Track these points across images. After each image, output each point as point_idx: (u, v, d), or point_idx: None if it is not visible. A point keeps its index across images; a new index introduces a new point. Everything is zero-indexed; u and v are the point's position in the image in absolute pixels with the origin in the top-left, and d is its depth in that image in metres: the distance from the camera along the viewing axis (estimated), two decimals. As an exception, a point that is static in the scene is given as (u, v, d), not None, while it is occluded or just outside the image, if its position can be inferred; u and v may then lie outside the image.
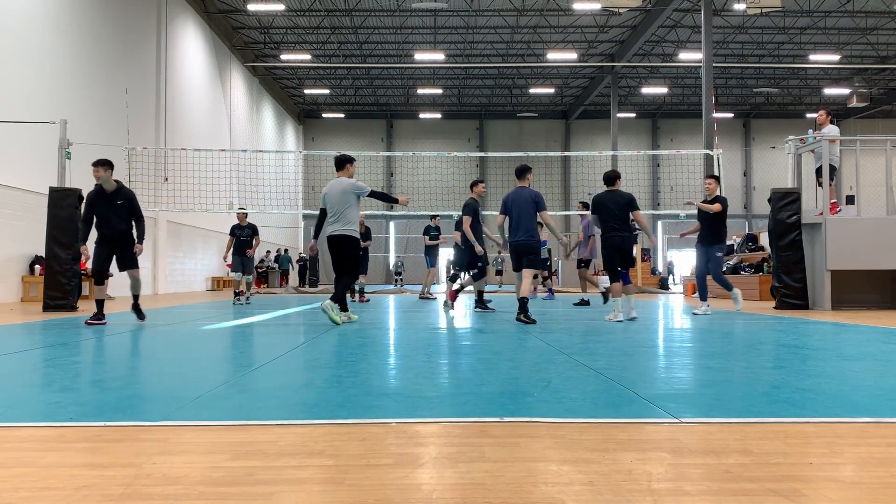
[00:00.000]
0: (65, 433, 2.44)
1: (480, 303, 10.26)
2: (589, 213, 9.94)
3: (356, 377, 3.67)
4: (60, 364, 4.23)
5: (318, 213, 8.12)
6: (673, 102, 41.95)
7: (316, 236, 8.02)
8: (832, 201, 10.81)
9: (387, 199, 8.11)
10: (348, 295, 12.88)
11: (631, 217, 8.26)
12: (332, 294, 7.74)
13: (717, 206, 9.02)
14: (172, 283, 22.37)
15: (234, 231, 12.97)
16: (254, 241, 12.92)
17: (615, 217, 8.14)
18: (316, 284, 31.53)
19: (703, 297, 9.47)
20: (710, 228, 9.18)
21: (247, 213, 13.22)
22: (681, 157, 36.42)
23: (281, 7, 26.41)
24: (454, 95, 40.98)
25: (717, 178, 9.62)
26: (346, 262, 7.72)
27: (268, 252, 31.38)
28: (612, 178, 8.38)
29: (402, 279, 31.56)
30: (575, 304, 12.22)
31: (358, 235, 7.74)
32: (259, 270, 29.58)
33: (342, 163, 7.91)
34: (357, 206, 7.79)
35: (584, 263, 12.41)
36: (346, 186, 7.71)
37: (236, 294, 13.16)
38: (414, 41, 32.22)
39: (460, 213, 10.30)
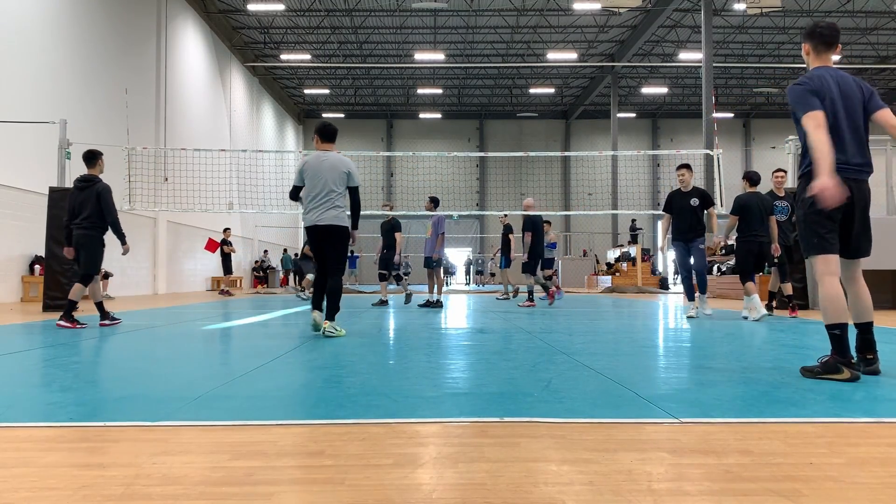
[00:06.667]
0: (65, 433, 2.44)
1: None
2: (439, 210, 11.38)
3: (356, 377, 3.67)
4: (60, 364, 4.23)
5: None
6: (673, 102, 41.94)
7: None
8: None
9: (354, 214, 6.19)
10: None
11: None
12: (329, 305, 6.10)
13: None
14: (172, 283, 22.37)
15: None
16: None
17: None
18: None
19: (691, 297, 8.58)
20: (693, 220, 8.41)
21: None
22: (681, 157, 36.40)
23: (281, 7, 26.41)
24: (454, 95, 40.96)
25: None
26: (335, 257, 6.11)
27: (265, 252, 31.36)
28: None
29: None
30: (420, 305, 11.64)
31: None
32: (257, 274, 29.69)
33: (334, 134, 6.14)
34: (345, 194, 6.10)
35: (436, 263, 11.45)
36: (340, 165, 5.98)
37: (303, 289, 15.38)
38: (414, 41, 32.21)
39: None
